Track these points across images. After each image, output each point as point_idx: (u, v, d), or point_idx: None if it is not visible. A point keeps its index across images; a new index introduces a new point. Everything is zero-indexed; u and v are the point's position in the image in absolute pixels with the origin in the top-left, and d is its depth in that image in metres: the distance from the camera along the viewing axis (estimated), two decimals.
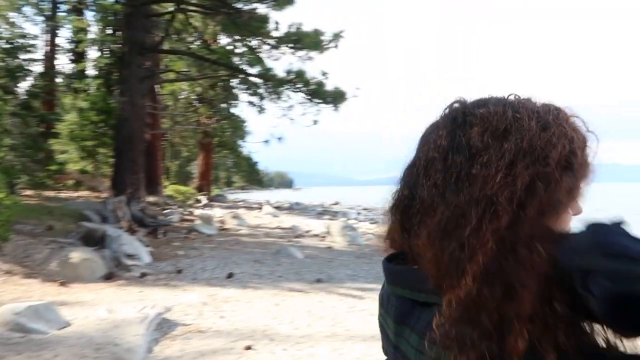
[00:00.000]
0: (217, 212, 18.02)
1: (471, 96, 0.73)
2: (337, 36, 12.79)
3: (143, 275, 6.92)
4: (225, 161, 37.00)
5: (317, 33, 12.61)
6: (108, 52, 17.05)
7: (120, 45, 13.81)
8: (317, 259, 9.34)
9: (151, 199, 15.41)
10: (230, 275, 7.07)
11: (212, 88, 19.53)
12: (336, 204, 47.50)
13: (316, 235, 13.66)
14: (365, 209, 39.42)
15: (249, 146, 28.72)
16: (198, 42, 17.12)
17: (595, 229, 0.56)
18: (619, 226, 0.56)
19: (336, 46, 12.88)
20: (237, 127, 23.44)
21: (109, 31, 15.59)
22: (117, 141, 12.78)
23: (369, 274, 7.97)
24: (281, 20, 13.59)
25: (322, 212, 28.93)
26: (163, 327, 4.62)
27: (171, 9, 13.54)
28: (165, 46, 15.71)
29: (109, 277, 6.60)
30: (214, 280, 6.80)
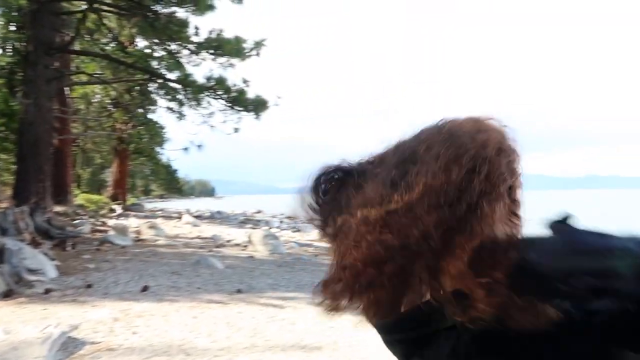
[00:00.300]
0: (132, 222, 17.24)
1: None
2: (259, 44, 12.73)
3: (47, 291, 6.43)
4: (142, 169, 35.53)
5: (238, 40, 12.46)
6: (11, 50, 15.77)
7: (25, 44, 12.84)
8: (237, 268, 9.19)
9: (59, 208, 14.41)
10: (145, 289, 6.75)
11: (128, 92, 18.66)
12: (259, 212, 47.16)
13: (237, 245, 13.46)
14: (287, 217, 39.53)
15: (168, 153, 27.75)
16: (113, 44, 16.33)
17: (560, 229, 0.60)
18: (578, 223, 0.62)
19: (258, 54, 12.82)
20: (155, 133, 22.59)
21: (13, 28, 14.45)
22: (20, 146, 11.82)
23: (290, 283, 7.96)
24: (203, 26, 13.33)
25: (244, 221, 28.58)
26: (68, 346, 4.31)
27: (83, 7, 12.82)
28: (76, 46, 14.83)
29: (7, 295, 6.06)
30: (127, 294, 6.46)
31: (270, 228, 22.10)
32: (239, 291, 6.97)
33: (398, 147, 0.72)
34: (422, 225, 0.63)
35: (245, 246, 12.87)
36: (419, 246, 0.64)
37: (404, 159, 0.69)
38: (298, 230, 24.59)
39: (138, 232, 14.13)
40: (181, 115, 16.13)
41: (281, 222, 33.46)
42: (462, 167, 0.65)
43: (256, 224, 27.14)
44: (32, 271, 6.97)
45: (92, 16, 13.44)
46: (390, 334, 0.75)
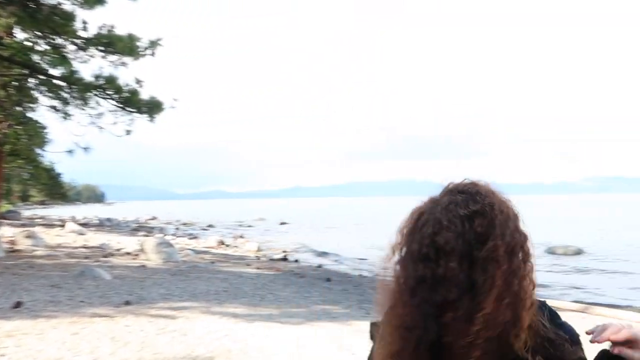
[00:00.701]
0: (6, 231, 15.69)
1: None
2: (154, 44, 12.14)
3: None
4: (20, 172, 32.33)
5: (131, 38, 11.77)
6: None
7: None
8: (127, 279, 8.70)
9: None
10: (17, 305, 6.12)
11: (3, 88, 16.85)
12: (153, 219, 45.20)
13: (128, 254, 12.79)
14: (184, 224, 38.27)
15: (50, 156, 25.47)
16: None
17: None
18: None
19: (153, 54, 12.23)
20: (35, 133, 20.60)
21: None
22: None
23: (185, 292, 7.69)
24: (96, 20, 12.41)
25: (137, 228, 27.22)
26: None
27: None
28: None
29: None
30: None
31: (165, 235, 21.22)
32: (127, 303, 6.59)
33: (464, 239, 0.90)
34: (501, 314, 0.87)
35: (137, 255, 12.25)
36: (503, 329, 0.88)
37: (474, 261, 0.90)
38: (195, 237, 23.89)
39: (12, 242, 12.87)
40: (66, 115, 14.89)
41: (177, 228, 32.32)
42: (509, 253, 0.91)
43: (150, 231, 25.91)
44: None
45: None
46: None
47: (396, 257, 0.97)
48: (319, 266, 14.58)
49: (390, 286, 0.96)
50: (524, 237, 0.93)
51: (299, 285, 9.42)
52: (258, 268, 11.94)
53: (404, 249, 0.96)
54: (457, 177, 1.00)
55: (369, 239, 24.57)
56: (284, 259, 15.81)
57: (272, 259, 15.51)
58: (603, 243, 20.88)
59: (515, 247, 0.90)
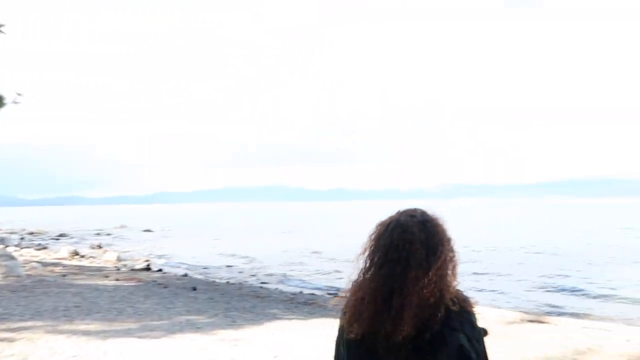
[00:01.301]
0: None
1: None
2: None
3: None
4: None
5: None
6: None
7: None
8: None
9: None
10: None
11: None
12: None
13: None
14: (31, 233, 34.33)
15: None
16: None
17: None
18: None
19: None
20: None
21: None
22: None
23: (27, 310, 6.90)
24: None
25: None
26: None
27: None
28: None
29: None
30: None
31: (6, 246, 18.86)
32: None
33: (426, 239, 1.48)
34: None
35: None
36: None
37: (431, 252, 1.47)
38: (44, 248, 21.58)
39: None
40: None
41: (22, 238, 28.96)
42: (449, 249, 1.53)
43: None
44: None
45: None
46: None
47: (366, 253, 1.49)
48: (185, 275, 14.07)
49: (359, 269, 1.49)
50: (451, 237, 1.52)
51: (162, 296, 8.98)
52: (117, 279, 11.15)
53: (374, 246, 1.49)
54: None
55: (235, 246, 24.39)
56: (147, 269, 14.97)
57: (133, 269, 14.59)
58: None
59: (449, 240, 1.51)
